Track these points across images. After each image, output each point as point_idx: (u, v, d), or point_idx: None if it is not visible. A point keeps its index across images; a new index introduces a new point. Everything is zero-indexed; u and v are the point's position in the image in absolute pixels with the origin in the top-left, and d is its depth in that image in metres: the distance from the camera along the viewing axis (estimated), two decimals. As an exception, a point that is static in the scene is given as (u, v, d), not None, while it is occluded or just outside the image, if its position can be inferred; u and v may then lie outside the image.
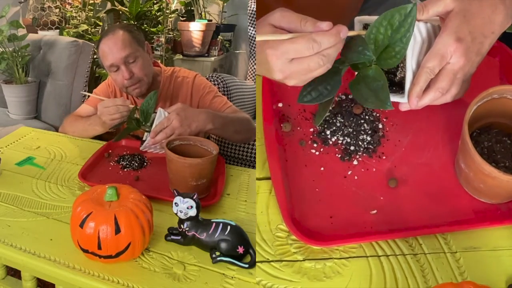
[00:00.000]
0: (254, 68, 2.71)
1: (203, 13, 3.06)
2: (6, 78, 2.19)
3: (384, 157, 0.82)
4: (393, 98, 0.74)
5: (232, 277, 0.83)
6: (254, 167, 1.50)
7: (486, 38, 0.72)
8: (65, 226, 0.94)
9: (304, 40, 0.66)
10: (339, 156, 0.83)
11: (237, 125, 1.37)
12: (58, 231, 0.93)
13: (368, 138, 0.82)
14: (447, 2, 0.72)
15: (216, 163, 1.15)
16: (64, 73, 2.19)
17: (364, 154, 0.83)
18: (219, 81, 2.07)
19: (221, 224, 0.86)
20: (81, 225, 0.81)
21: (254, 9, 2.51)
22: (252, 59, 2.73)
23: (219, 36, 3.05)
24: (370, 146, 0.82)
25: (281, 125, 0.86)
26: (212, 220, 0.88)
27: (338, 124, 0.84)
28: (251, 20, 2.56)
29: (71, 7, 2.80)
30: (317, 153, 0.83)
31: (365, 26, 0.79)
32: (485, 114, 0.78)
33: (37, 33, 2.60)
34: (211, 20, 3.05)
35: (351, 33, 0.70)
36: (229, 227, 0.86)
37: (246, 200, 1.11)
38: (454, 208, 0.77)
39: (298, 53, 0.67)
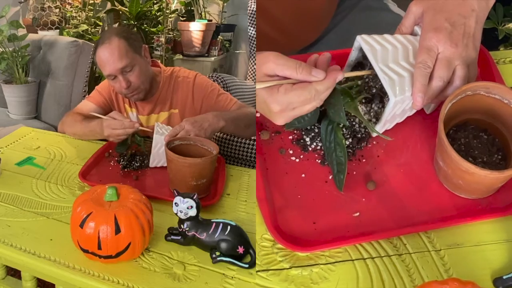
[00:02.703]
0: (254, 68, 2.71)
1: (203, 13, 3.06)
2: (6, 78, 2.19)
3: (363, 160, 0.83)
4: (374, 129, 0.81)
5: (232, 277, 0.83)
6: (254, 167, 1.50)
7: (467, 18, 0.74)
8: (65, 226, 0.94)
9: (307, 91, 0.71)
10: (319, 161, 0.83)
11: (246, 119, 1.38)
12: (58, 231, 0.94)
13: (347, 142, 0.82)
14: (413, 9, 0.78)
15: (216, 163, 1.15)
16: (64, 73, 2.18)
17: None
18: (219, 81, 2.07)
19: (221, 224, 0.86)
20: (81, 225, 0.81)
21: (254, 9, 2.51)
22: (252, 59, 2.73)
23: (219, 36, 3.05)
24: (349, 150, 0.82)
25: (259, 133, 0.86)
26: (212, 220, 0.88)
27: (317, 130, 0.84)
28: (251, 20, 2.55)
29: (71, 7, 2.80)
30: (297, 160, 0.83)
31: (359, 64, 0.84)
32: (461, 111, 0.78)
33: (37, 33, 2.60)
34: (211, 20, 3.05)
35: (348, 75, 0.77)
36: (229, 227, 0.86)
37: (246, 200, 1.11)
38: (435, 205, 0.77)
39: (301, 103, 0.72)
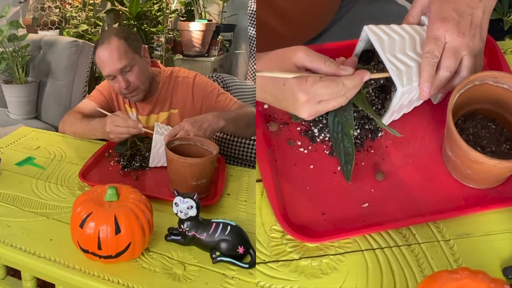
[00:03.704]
0: (254, 68, 2.71)
1: (203, 13, 3.06)
2: (6, 78, 2.19)
3: (372, 151, 0.83)
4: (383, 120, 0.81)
5: (232, 277, 0.83)
6: (254, 167, 1.50)
7: (474, 9, 0.74)
8: (65, 226, 0.94)
9: (335, 84, 0.70)
10: (328, 152, 0.83)
11: (246, 119, 1.38)
12: (58, 231, 0.93)
13: (355, 133, 0.82)
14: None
15: (216, 163, 1.15)
16: (64, 73, 2.18)
17: None
18: (219, 81, 2.07)
19: (221, 224, 0.86)
20: (81, 225, 0.81)
21: (254, 9, 2.51)
22: (252, 59, 2.73)
23: (219, 36, 3.05)
24: (358, 141, 0.83)
25: (267, 124, 0.86)
26: (212, 220, 0.88)
27: (325, 121, 0.84)
28: (251, 20, 2.55)
29: (71, 7, 2.80)
30: (305, 151, 0.83)
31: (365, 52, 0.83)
32: (469, 101, 0.78)
33: (37, 33, 2.60)
34: (211, 20, 3.05)
35: (374, 76, 0.76)
36: (229, 227, 0.86)
37: (246, 200, 1.11)
38: (444, 196, 0.78)
39: (328, 96, 0.71)
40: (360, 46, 0.82)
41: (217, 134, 1.70)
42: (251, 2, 2.55)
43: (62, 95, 2.20)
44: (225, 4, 3.07)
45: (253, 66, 2.72)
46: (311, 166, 0.82)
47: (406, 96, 0.77)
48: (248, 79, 2.72)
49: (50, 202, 1.06)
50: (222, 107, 1.44)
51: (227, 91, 1.97)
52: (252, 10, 2.54)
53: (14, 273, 1.01)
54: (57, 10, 2.75)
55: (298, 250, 0.74)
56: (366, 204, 0.77)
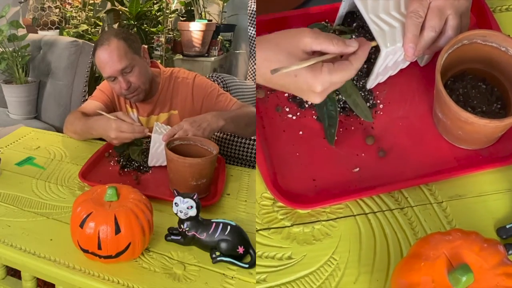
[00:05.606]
0: (254, 68, 2.71)
1: (203, 13, 3.06)
2: (6, 78, 2.19)
3: None
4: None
5: (232, 277, 0.83)
6: (254, 167, 1.50)
7: None
8: (65, 226, 0.94)
9: (348, 70, 0.69)
10: (316, 118, 0.82)
11: (246, 118, 1.38)
12: (58, 231, 0.93)
13: (344, 97, 0.81)
14: None
15: (216, 163, 1.15)
16: (64, 73, 2.18)
17: (341, 113, 0.82)
18: (219, 81, 2.07)
19: (221, 224, 0.86)
20: (81, 225, 0.81)
21: (254, 9, 2.51)
22: (252, 59, 2.73)
23: (219, 36, 3.05)
24: (347, 105, 0.82)
25: (255, 91, 0.85)
26: (212, 220, 0.88)
27: None
28: (251, 20, 2.55)
29: (71, 7, 2.80)
30: (294, 117, 0.82)
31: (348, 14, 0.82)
32: (458, 61, 0.77)
33: (37, 33, 2.60)
34: (211, 20, 3.05)
35: (373, 44, 0.75)
36: (229, 227, 0.86)
37: (246, 200, 1.11)
38: (435, 158, 0.77)
39: (341, 81, 0.70)
40: (343, 8, 0.80)
41: (217, 134, 1.70)
42: (251, 2, 2.55)
43: (62, 95, 2.20)
44: (225, 4, 3.07)
45: (253, 66, 2.72)
46: (300, 132, 0.81)
47: (391, 57, 0.76)
48: (248, 79, 2.72)
49: (50, 202, 1.06)
50: (222, 107, 1.43)
51: (227, 91, 1.98)
52: (252, 10, 2.54)
53: (14, 273, 1.01)
54: (57, 10, 2.75)
55: (289, 217, 0.73)
56: (357, 169, 0.77)
